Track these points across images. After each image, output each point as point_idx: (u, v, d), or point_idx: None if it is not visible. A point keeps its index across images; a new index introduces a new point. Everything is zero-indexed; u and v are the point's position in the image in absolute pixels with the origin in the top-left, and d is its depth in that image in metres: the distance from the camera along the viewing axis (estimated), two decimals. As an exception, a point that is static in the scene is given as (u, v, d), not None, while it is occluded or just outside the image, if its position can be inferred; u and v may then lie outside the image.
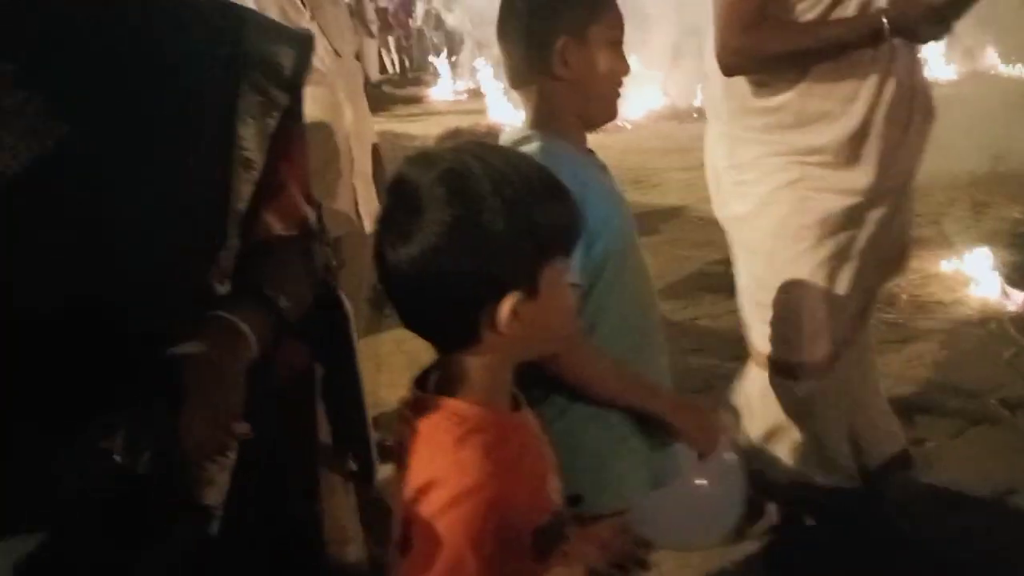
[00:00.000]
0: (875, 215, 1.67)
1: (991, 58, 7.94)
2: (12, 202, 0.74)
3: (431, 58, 11.98)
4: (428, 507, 0.73)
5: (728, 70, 1.61)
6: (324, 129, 1.83)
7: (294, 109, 0.93)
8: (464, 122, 7.68)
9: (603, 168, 1.23)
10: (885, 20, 1.48)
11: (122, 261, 0.78)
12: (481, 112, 8.50)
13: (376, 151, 2.11)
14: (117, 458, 0.71)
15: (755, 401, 1.79)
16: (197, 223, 0.85)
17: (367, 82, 2.16)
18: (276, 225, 0.93)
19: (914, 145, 1.68)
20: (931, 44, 1.63)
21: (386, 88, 10.57)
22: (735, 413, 1.83)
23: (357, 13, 9.56)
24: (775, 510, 1.82)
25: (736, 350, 1.82)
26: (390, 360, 2.68)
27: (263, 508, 0.90)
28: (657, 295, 1.35)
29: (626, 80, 1.19)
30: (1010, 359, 2.71)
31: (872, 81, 1.57)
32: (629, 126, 7.48)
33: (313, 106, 1.22)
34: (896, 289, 3.03)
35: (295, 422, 0.98)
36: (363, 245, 2.02)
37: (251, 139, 0.87)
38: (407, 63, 13.01)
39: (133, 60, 0.81)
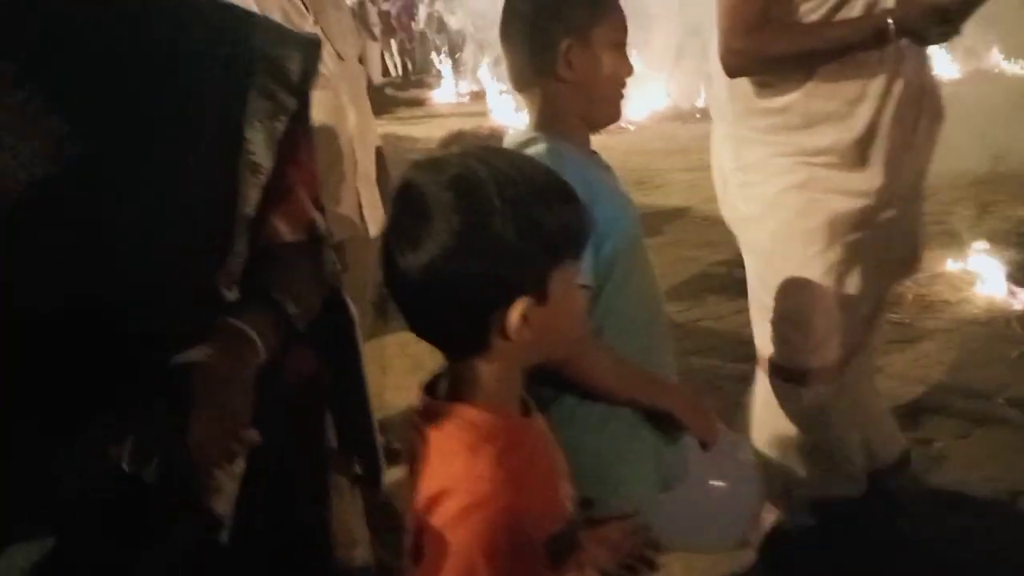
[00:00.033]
0: (885, 217, 1.64)
1: (994, 57, 7.93)
2: (13, 203, 0.74)
3: (433, 59, 12.00)
4: (440, 516, 0.73)
5: (732, 72, 1.59)
6: (327, 133, 1.83)
7: (302, 113, 0.92)
8: (467, 124, 7.69)
9: (608, 169, 1.23)
10: (891, 21, 1.45)
11: (123, 263, 0.78)
12: (484, 114, 8.51)
13: (380, 154, 2.12)
14: (125, 466, 0.71)
15: (760, 407, 1.77)
16: (202, 226, 0.84)
17: (370, 85, 2.16)
18: (284, 230, 0.92)
19: (923, 146, 1.65)
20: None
21: (389, 91, 10.60)
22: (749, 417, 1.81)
23: (360, 16, 9.59)
24: (771, 517, 1.77)
25: (740, 351, 1.82)
26: (395, 363, 2.68)
27: (271, 514, 0.89)
28: (663, 296, 1.35)
29: (629, 81, 1.19)
30: (1017, 358, 2.70)
31: (879, 81, 1.55)
32: (632, 127, 7.48)
33: (316, 110, 1.21)
34: (902, 288, 3.02)
35: (303, 428, 0.98)
36: (367, 248, 2.02)
37: (259, 143, 0.87)
38: (410, 66, 13.03)
39: (133, 60, 0.81)
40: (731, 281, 1.83)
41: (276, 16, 1.64)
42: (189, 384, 0.75)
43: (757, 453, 1.74)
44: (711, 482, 1.21)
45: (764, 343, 1.74)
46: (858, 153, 1.58)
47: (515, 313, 0.73)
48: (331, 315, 1.01)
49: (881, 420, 1.91)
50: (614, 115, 1.21)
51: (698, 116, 7.91)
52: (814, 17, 1.52)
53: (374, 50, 10.00)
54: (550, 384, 1.06)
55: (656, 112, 8.22)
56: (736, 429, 1.77)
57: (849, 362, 1.71)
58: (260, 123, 0.88)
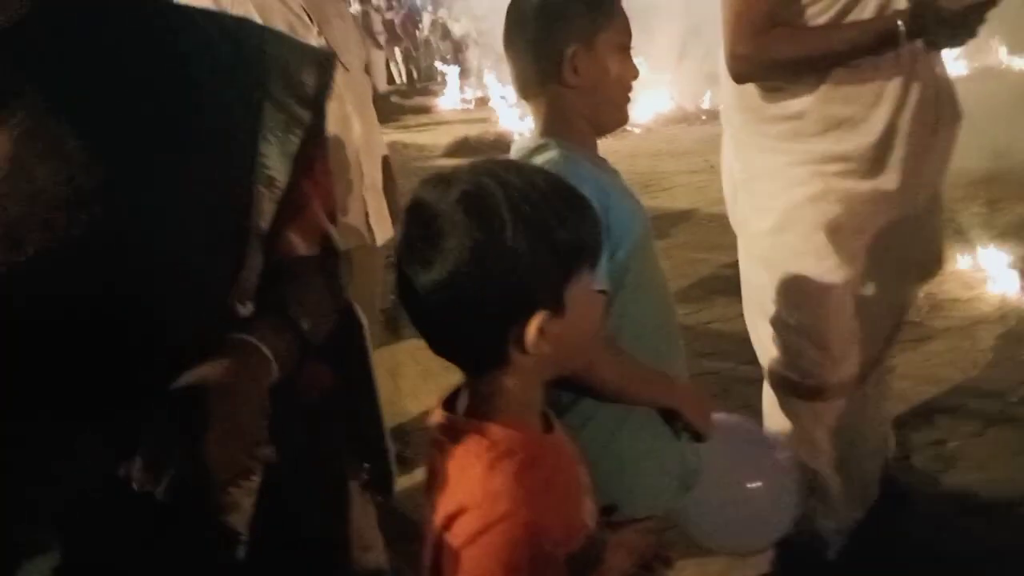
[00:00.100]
0: (904, 223, 1.58)
1: (1001, 53, 7.89)
2: (25, 218, 0.75)
3: (439, 66, 12.05)
4: (458, 534, 0.72)
5: (738, 78, 1.56)
6: (333, 143, 1.83)
7: (317, 127, 0.92)
8: (472, 131, 7.70)
9: (616, 174, 1.23)
10: (901, 23, 1.40)
11: (137, 277, 0.78)
12: (489, 120, 8.52)
13: (386, 163, 2.12)
14: (136, 484, 0.71)
15: (770, 423, 1.73)
16: (216, 240, 0.84)
17: (376, 93, 2.17)
18: (299, 244, 0.92)
19: (942, 148, 1.60)
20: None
21: (394, 98, 10.64)
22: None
23: (364, 25, 9.64)
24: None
25: (750, 354, 1.81)
26: (405, 370, 2.69)
27: (288, 527, 0.89)
28: (673, 298, 1.34)
29: (634, 84, 1.19)
30: (1029, 357, 2.68)
31: (896, 84, 1.50)
32: (637, 130, 7.49)
33: (323, 120, 1.22)
34: (912, 288, 3.00)
35: (319, 441, 0.97)
36: (374, 257, 2.03)
37: (274, 157, 0.87)
38: (414, 73, 13.09)
39: (148, 74, 0.81)
40: (740, 283, 1.81)
41: (281, 28, 1.65)
42: (202, 401, 0.74)
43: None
44: (748, 484, 1.20)
45: (773, 358, 1.68)
46: (876, 158, 1.53)
47: (532, 327, 0.73)
48: (341, 324, 1.01)
49: (885, 427, 1.88)
50: (621, 119, 1.21)
51: (703, 118, 7.90)
52: (822, 20, 1.48)
53: (379, 58, 10.04)
54: (567, 389, 1.06)
55: (661, 115, 8.22)
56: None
57: (868, 375, 1.66)
58: (275, 137, 0.88)
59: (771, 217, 1.60)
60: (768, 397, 1.74)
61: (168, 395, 0.74)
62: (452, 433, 0.77)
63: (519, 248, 0.71)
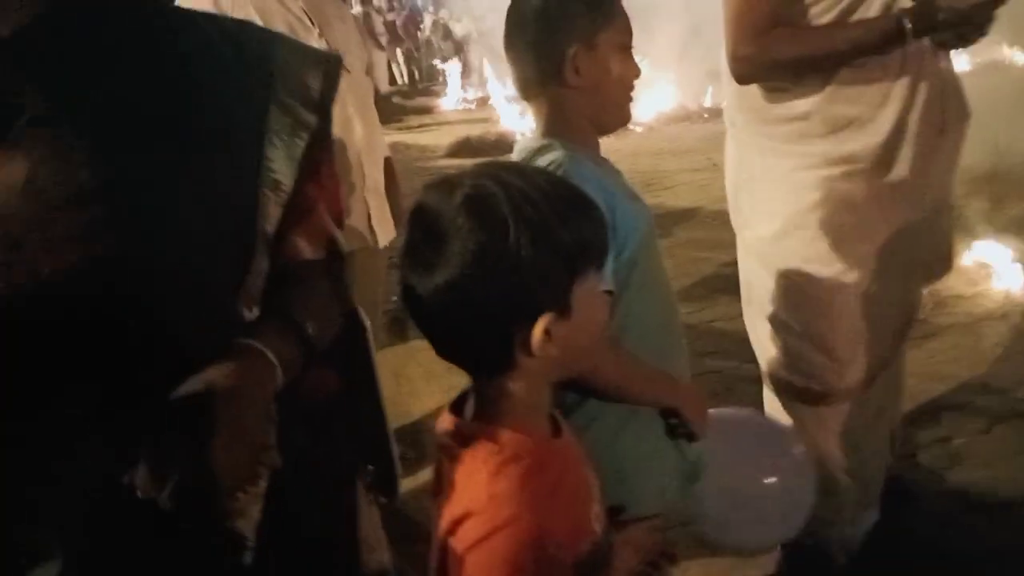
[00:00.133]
0: (913, 225, 1.56)
1: (1004, 48, 7.86)
2: (28, 221, 0.75)
3: (440, 66, 12.05)
4: (464, 539, 0.72)
5: (740, 79, 1.53)
6: (335, 145, 1.84)
7: (323, 130, 0.92)
8: (474, 131, 7.71)
9: (619, 173, 1.23)
10: (907, 21, 1.37)
11: (142, 281, 0.78)
12: (491, 120, 8.52)
13: (389, 164, 2.12)
14: (139, 492, 0.71)
15: None
16: (222, 244, 0.84)
17: (377, 94, 2.17)
18: (305, 248, 0.92)
19: (949, 149, 1.58)
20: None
21: (396, 99, 10.65)
22: None
23: (366, 26, 9.64)
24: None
25: (753, 352, 1.80)
26: (408, 371, 2.69)
27: (295, 531, 0.89)
28: (675, 297, 1.34)
29: (636, 83, 1.19)
30: (1035, 353, 2.67)
31: (903, 83, 1.47)
32: (639, 128, 7.48)
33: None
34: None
35: (325, 445, 0.97)
36: (376, 259, 2.03)
37: (280, 161, 0.87)
38: (416, 74, 13.10)
39: (154, 77, 0.81)
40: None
41: (282, 30, 1.65)
42: (207, 407, 0.74)
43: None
44: (764, 480, 1.20)
45: (776, 363, 1.66)
46: (883, 159, 1.50)
47: (538, 329, 0.73)
48: (345, 327, 1.01)
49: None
50: (624, 118, 1.21)
51: (705, 116, 7.90)
52: (826, 19, 1.46)
53: (381, 59, 10.04)
54: (570, 389, 1.06)
55: (663, 113, 8.22)
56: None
57: (874, 380, 1.64)
58: (280, 140, 0.87)
59: (776, 221, 1.58)
60: (770, 400, 1.73)
61: (172, 401, 0.74)
62: (459, 438, 0.77)
63: (523, 251, 0.71)
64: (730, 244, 1.75)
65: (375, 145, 2.03)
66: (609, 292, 1.03)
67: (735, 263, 1.77)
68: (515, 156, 1.18)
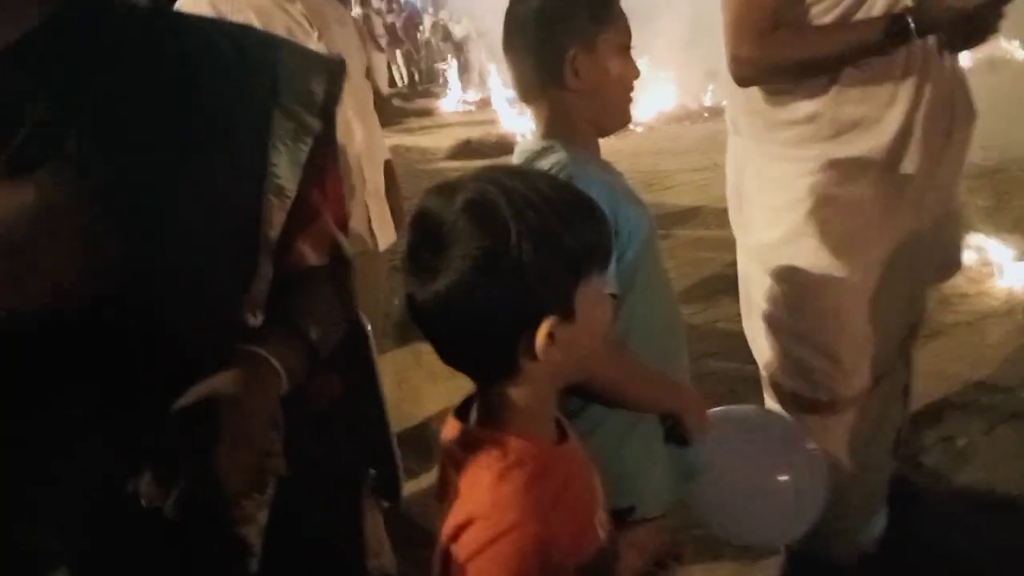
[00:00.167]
0: (921, 227, 1.53)
1: (1006, 45, 7.85)
2: (31, 227, 0.75)
3: (441, 67, 12.06)
4: (466, 545, 0.72)
5: (741, 82, 1.50)
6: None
7: (327, 135, 0.92)
8: (475, 133, 7.71)
9: (620, 175, 1.23)
10: (911, 20, 1.34)
11: (146, 288, 0.78)
12: (492, 122, 8.53)
13: (389, 167, 2.12)
14: (144, 500, 0.71)
15: None
16: (226, 250, 0.84)
17: (378, 96, 2.16)
18: (310, 254, 0.92)
19: (956, 151, 1.55)
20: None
21: (396, 102, 10.65)
22: None
23: (366, 28, 9.65)
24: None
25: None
26: (410, 375, 2.69)
27: (300, 536, 0.89)
28: (676, 298, 1.34)
29: (636, 83, 1.18)
30: (1038, 351, 2.67)
31: (910, 83, 1.44)
32: (640, 128, 7.48)
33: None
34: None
35: (330, 449, 0.97)
36: (377, 263, 2.03)
37: (284, 166, 0.87)
38: (416, 76, 13.11)
39: (157, 81, 0.81)
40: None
41: (281, 34, 1.65)
42: (212, 414, 0.74)
43: None
44: (776, 477, 1.19)
45: (780, 372, 1.63)
46: (891, 160, 1.47)
47: (542, 333, 0.72)
48: (347, 331, 1.01)
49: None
50: (624, 120, 1.21)
51: (706, 115, 7.89)
52: (828, 19, 1.43)
53: (380, 61, 10.04)
54: (575, 394, 1.05)
55: (663, 113, 8.22)
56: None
57: (879, 383, 1.61)
58: (284, 145, 0.87)
59: (780, 227, 1.55)
60: (771, 407, 1.71)
61: (177, 408, 0.74)
62: (463, 443, 0.77)
63: (525, 255, 0.70)
64: (732, 244, 1.75)
65: (375, 148, 2.03)
66: (613, 295, 1.02)
67: (737, 263, 1.77)
68: (516, 159, 1.18)
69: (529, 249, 0.70)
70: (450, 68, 11.39)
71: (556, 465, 0.78)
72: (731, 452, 1.20)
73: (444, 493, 0.78)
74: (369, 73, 2.11)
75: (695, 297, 3.29)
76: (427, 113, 10.21)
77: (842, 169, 1.49)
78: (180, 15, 0.92)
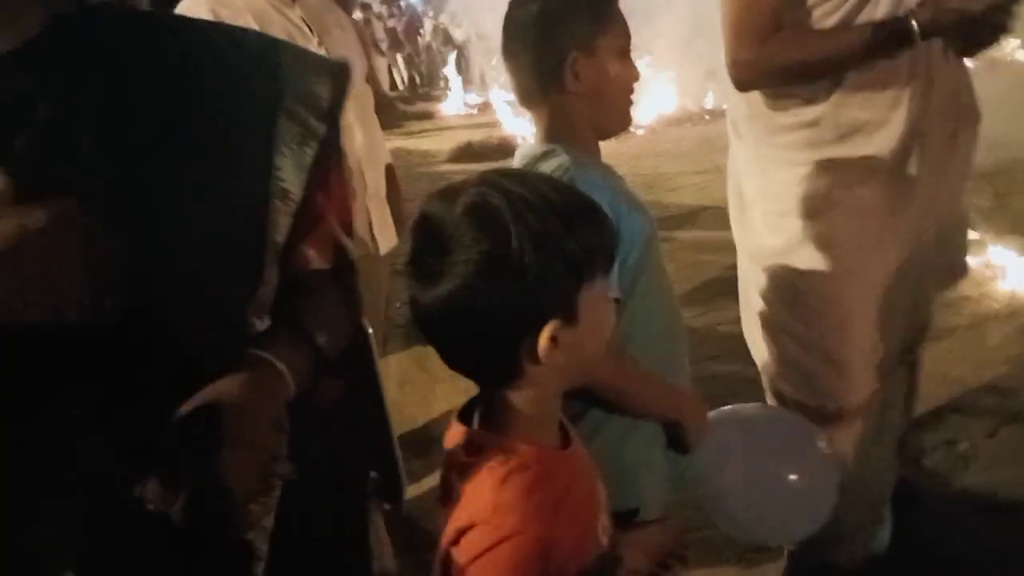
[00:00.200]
0: (927, 232, 1.51)
1: (1007, 45, 7.85)
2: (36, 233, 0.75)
3: (443, 71, 12.07)
4: (467, 549, 0.72)
5: (741, 85, 1.47)
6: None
7: (332, 139, 0.91)
8: (476, 136, 7.72)
9: (621, 178, 1.23)
10: (915, 23, 1.31)
11: (151, 293, 0.78)
12: (493, 125, 8.53)
13: (390, 170, 2.13)
14: (150, 506, 0.71)
15: None
16: (232, 255, 0.84)
17: (379, 100, 2.17)
18: (315, 258, 0.92)
19: (963, 152, 1.51)
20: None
21: (397, 105, 10.66)
22: None
23: (368, 32, 9.66)
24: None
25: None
26: (412, 378, 2.69)
27: (306, 540, 0.89)
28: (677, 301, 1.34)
29: (636, 85, 1.19)
30: (1041, 353, 2.66)
31: (915, 85, 1.41)
32: (641, 131, 7.48)
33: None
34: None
35: (333, 453, 0.97)
36: (377, 266, 2.03)
37: (289, 170, 0.87)
38: (417, 79, 13.13)
39: (162, 85, 0.81)
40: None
41: (280, 38, 1.66)
42: (218, 419, 0.74)
43: None
44: (788, 475, 1.19)
45: (784, 382, 1.60)
46: (896, 164, 1.44)
47: (544, 337, 0.72)
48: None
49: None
50: (625, 122, 1.21)
51: (707, 118, 7.89)
52: (831, 21, 1.39)
53: (381, 65, 10.06)
54: (576, 399, 1.05)
55: (664, 115, 8.22)
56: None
57: (883, 388, 1.60)
58: (289, 149, 0.87)
59: (783, 233, 1.51)
60: None
61: (183, 413, 0.74)
62: (466, 446, 0.77)
63: (526, 258, 0.70)
64: (733, 247, 1.74)
65: (376, 152, 2.04)
66: (616, 300, 1.02)
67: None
68: (517, 162, 1.18)
69: (531, 252, 0.70)
70: (451, 71, 11.41)
71: (559, 469, 0.78)
72: (742, 448, 1.20)
73: (446, 496, 0.78)
74: (370, 77, 2.12)
75: (696, 300, 3.29)
76: (428, 116, 10.22)
77: (846, 173, 1.46)
78: (179, 17, 0.92)
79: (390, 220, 2.06)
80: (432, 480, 0.90)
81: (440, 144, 7.78)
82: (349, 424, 1.03)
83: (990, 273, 3.23)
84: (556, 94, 1.14)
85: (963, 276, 1.73)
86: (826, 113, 1.44)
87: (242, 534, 0.79)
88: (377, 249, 2.00)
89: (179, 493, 0.70)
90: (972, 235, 3.37)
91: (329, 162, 0.92)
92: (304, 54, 0.99)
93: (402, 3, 14.87)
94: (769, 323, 1.60)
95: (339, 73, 0.94)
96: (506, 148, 6.52)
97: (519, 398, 0.76)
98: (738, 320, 1.78)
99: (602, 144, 1.21)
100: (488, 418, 0.78)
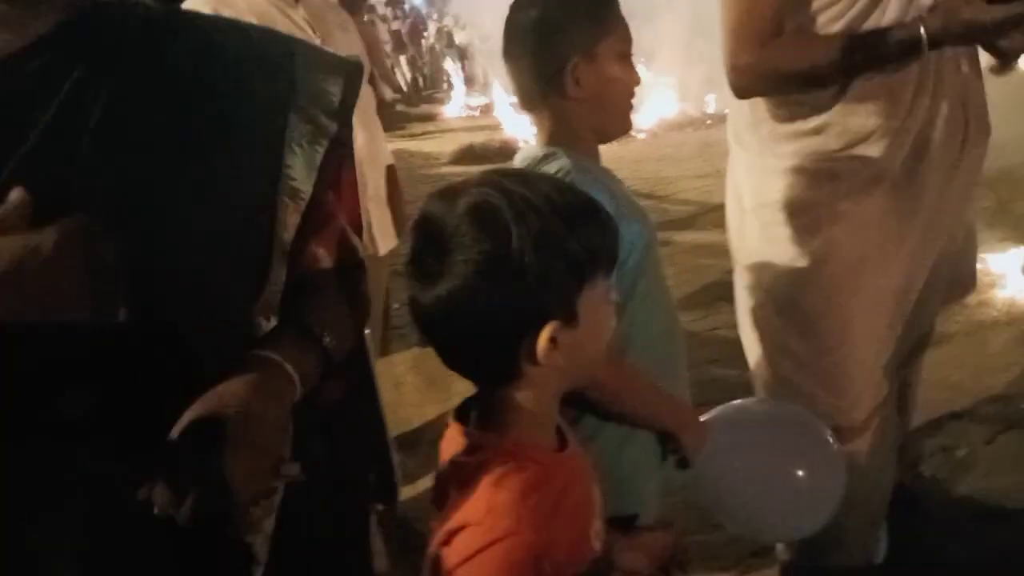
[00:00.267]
0: (935, 246, 1.46)
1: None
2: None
3: (446, 68, 12.08)
4: (458, 550, 0.71)
5: (740, 91, 1.42)
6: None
7: (342, 138, 0.91)
8: (478, 138, 7.72)
9: (620, 182, 1.23)
10: (923, 31, 1.25)
11: (158, 291, 0.77)
12: (495, 127, 8.54)
13: (391, 172, 2.13)
14: (157, 508, 0.70)
15: None
16: (240, 253, 0.83)
17: (381, 102, 2.17)
18: (324, 257, 0.91)
19: (972, 163, 1.46)
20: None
21: (399, 107, 10.68)
22: None
23: (373, 33, 9.68)
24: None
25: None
26: (408, 379, 2.69)
27: (306, 541, 0.89)
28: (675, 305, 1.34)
29: (637, 89, 1.18)
30: (1039, 360, 2.66)
31: (925, 93, 1.36)
32: (642, 135, 7.49)
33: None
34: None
35: (333, 454, 0.97)
36: (376, 267, 2.03)
37: (299, 168, 0.86)
38: (420, 81, 13.15)
39: (173, 81, 0.81)
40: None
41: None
42: (224, 421, 0.73)
43: None
44: (795, 472, 1.19)
45: (776, 397, 1.54)
46: (903, 177, 1.39)
47: (544, 337, 0.72)
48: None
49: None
50: (625, 126, 1.21)
51: (708, 122, 7.90)
52: (836, 27, 1.34)
53: (384, 67, 10.08)
54: (572, 404, 1.05)
55: (665, 120, 8.22)
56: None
57: (886, 402, 1.56)
58: (300, 147, 0.86)
59: (785, 248, 1.45)
60: None
61: (188, 415, 0.73)
62: (461, 447, 0.77)
63: (527, 259, 0.70)
64: (733, 252, 1.74)
65: (377, 153, 2.04)
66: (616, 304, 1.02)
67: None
68: (517, 165, 1.18)
69: (531, 252, 0.70)
70: (454, 73, 11.42)
71: (556, 472, 0.77)
72: (745, 443, 1.19)
73: (441, 498, 0.78)
74: (372, 79, 2.13)
75: (695, 304, 3.29)
76: (430, 118, 10.24)
77: (851, 184, 1.41)
78: (183, 14, 0.92)
79: (390, 221, 2.06)
80: (427, 481, 0.90)
81: (442, 146, 7.79)
82: (349, 425, 1.03)
83: (990, 281, 3.23)
84: (556, 98, 1.13)
85: (971, 290, 1.69)
86: (832, 121, 1.39)
87: (242, 536, 0.78)
88: (376, 250, 2.00)
89: (186, 496, 0.69)
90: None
91: (340, 161, 0.91)
92: (317, 52, 0.98)
93: (406, 5, 14.91)
94: (765, 337, 1.55)
95: (351, 71, 0.94)
96: (508, 151, 6.53)
97: (517, 398, 0.76)
98: (736, 325, 1.77)
99: (603, 148, 1.21)
100: (486, 418, 0.78)
